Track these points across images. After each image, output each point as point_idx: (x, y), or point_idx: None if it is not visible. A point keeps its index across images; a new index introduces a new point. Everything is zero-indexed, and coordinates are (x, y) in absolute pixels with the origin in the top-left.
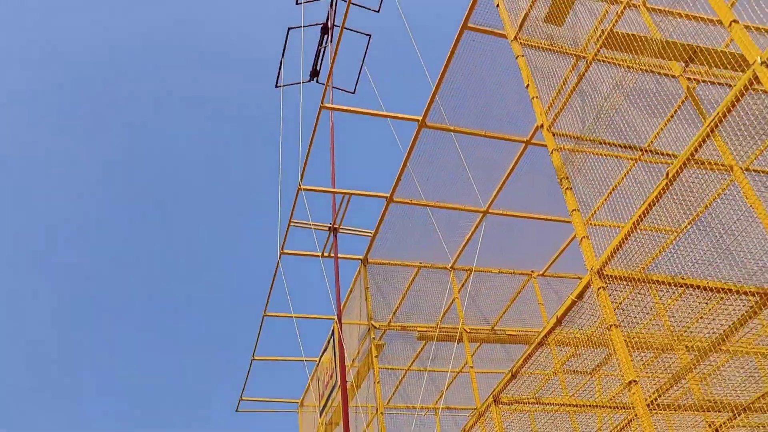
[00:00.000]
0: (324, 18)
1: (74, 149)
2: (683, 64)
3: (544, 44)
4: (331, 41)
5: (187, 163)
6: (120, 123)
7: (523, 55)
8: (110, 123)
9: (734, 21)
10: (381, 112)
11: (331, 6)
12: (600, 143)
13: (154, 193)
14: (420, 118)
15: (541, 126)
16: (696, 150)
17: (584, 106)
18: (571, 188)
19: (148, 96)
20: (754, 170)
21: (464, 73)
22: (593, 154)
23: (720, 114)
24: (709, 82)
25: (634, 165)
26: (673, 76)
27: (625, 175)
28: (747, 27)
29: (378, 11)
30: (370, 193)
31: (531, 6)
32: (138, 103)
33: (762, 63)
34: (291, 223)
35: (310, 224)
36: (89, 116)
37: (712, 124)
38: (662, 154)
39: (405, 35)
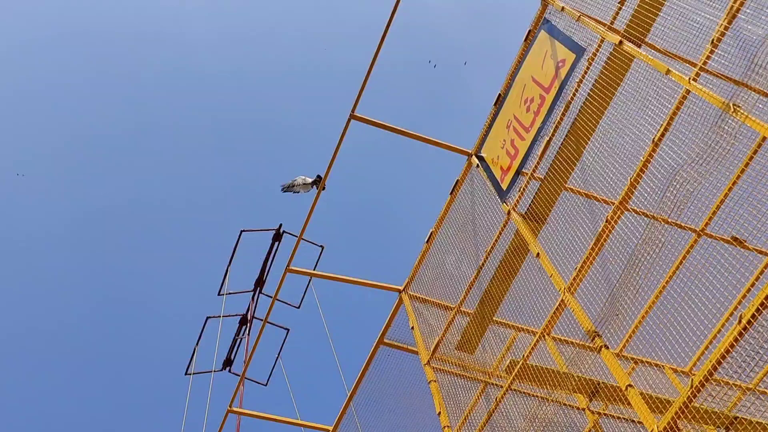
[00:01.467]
0: (243, 309)
1: None
2: (588, 398)
3: (457, 371)
4: (248, 334)
5: None
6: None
7: (435, 380)
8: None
9: (629, 385)
10: (292, 420)
11: (253, 299)
12: None
13: None
14: (331, 428)
15: None
16: None
17: None
18: None
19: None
20: None
21: (378, 383)
22: None
23: None
24: (612, 416)
25: None
26: (578, 408)
27: None
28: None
29: (299, 307)
30: None
31: (444, 333)
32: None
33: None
34: None
35: None
36: None
37: None
38: None
39: (322, 332)
